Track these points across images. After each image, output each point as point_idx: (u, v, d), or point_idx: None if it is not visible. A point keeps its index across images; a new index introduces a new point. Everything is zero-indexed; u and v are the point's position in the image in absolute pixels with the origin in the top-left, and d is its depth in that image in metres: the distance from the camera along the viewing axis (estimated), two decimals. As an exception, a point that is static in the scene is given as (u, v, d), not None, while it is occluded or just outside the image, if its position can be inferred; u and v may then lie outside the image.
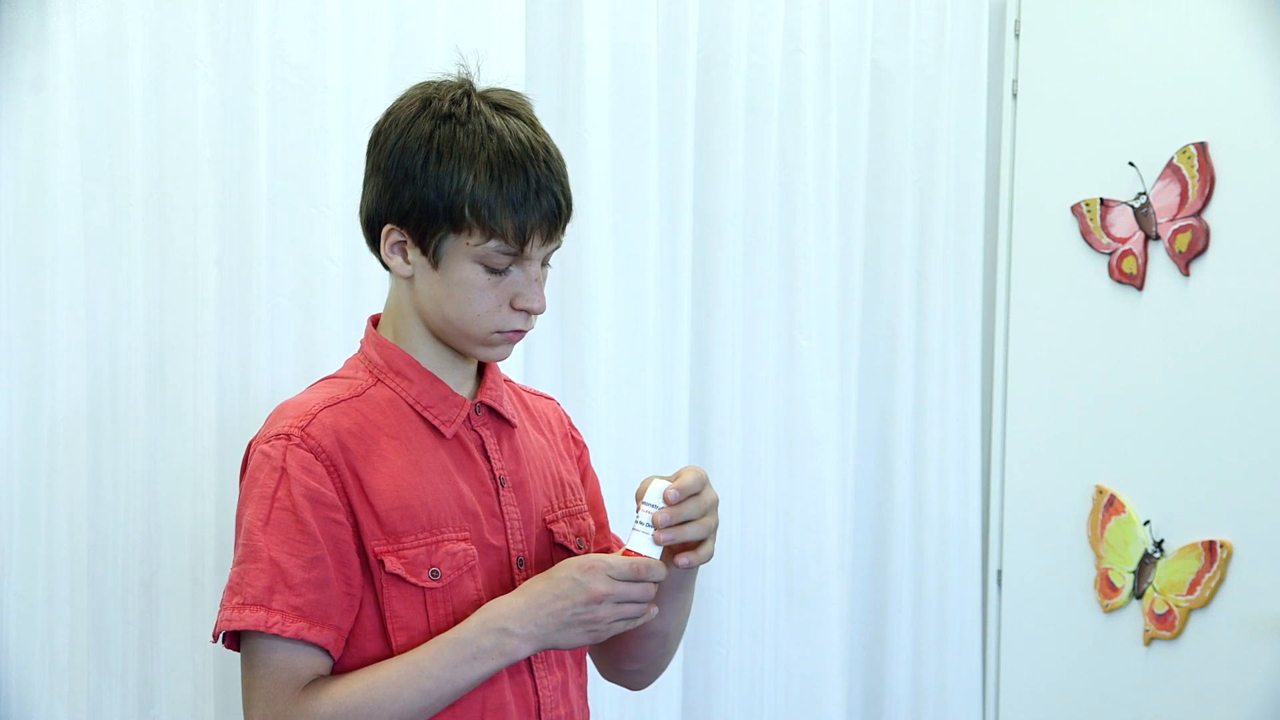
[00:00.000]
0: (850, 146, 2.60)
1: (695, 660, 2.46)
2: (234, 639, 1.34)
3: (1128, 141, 2.52)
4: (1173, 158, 2.43)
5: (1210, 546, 2.36)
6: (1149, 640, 2.47)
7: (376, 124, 1.41)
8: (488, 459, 1.44)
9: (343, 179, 2.06)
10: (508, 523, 1.43)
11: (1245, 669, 2.30)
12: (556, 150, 1.39)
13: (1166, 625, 2.44)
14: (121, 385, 1.95)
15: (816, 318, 2.55)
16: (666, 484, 1.36)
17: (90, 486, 1.92)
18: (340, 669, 1.34)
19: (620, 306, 2.35)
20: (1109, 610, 2.55)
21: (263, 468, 1.34)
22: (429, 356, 1.43)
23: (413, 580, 1.35)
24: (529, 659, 1.41)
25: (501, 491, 1.44)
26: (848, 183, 2.60)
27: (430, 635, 1.35)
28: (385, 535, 1.35)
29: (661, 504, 1.36)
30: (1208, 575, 2.36)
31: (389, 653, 1.35)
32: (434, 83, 1.40)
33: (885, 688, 2.67)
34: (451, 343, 1.42)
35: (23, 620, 1.86)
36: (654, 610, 1.36)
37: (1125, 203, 2.53)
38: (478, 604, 1.37)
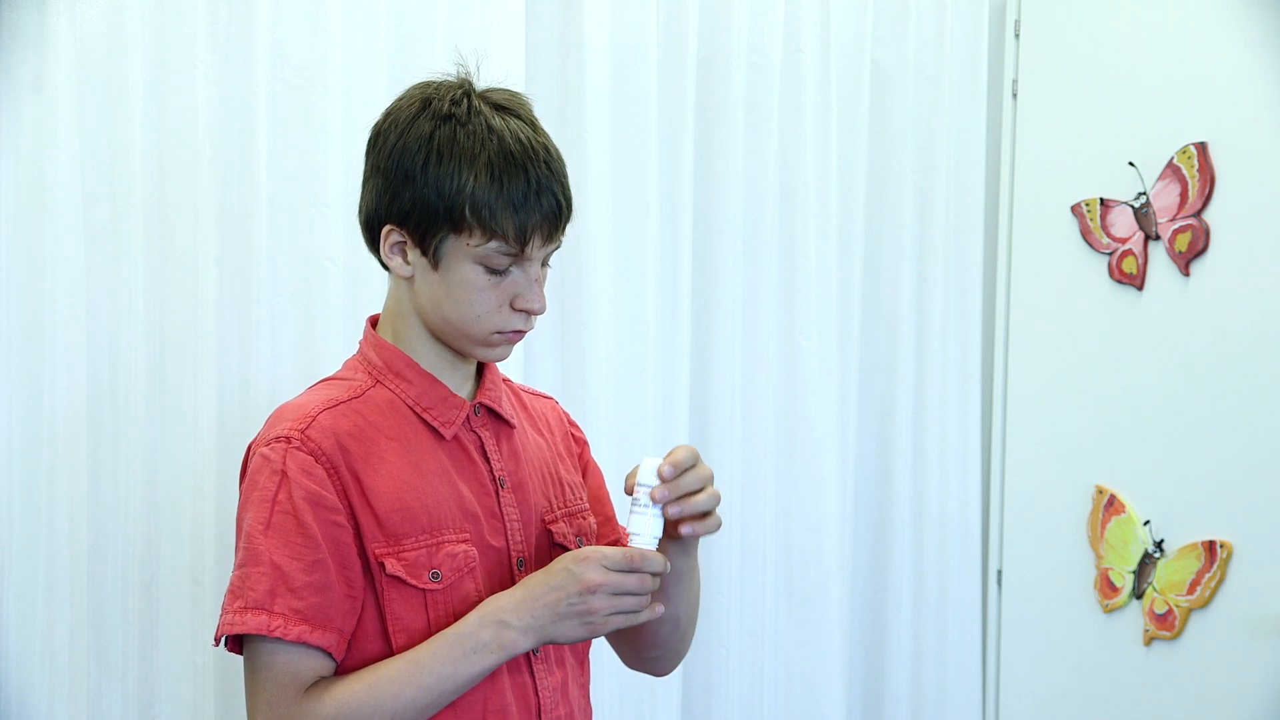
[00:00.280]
0: (850, 146, 2.60)
1: (695, 660, 2.46)
2: (236, 642, 1.34)
3: (1128, 141, 2.52)
4: (1173, 158, 2.43)
5: (1210, 546, 2.37)
6: (1149, 640, 2.47)
7: (375, 124, 1.41)
8: (487, 460, 1.44)
9: (343, 179, 2.06)
10: (507, 524, 1.43)
11: (1245, 669, 2.30)
12: (557, 150, 1.39)
13: (1166, 625, 2.44)
14: (121, 385, 1.95)
15: (816, 318, 2.55)
16: (659, 461, 1.35)
17: (90, 486, 1.92)
18: (341, 670, 1.34)
19: (620, 306, 2.35)
20: (1109, 610, 2.55)
21: (263, 471, 1.34)
22: (428, 357, 1.43)
23: (413, 582, 1.35)
24: (529, 660, 1.41)
25: (501, 492, 1.44)
26: (848, 183, 2.60)
27: (430, 636, 1.35)
28: (385, 537, 1.35)
29: (656, 480, 1.34)
30: (1208, 575, 2.36)
31: (389, 654, 1.34)
32: (433, 83, 1.40)
33: (885, 688, 2.67)
34: (451, 343, 1.42)
35: (23, 620, 1.86)
36: (658, 608, 1.35)
37: (1125, 203, 2.53)
38: (478, 605, 1.37)
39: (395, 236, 1.38)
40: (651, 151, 2.37)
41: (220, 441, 1.99)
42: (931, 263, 2.68)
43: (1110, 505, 2.54)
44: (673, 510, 1.35)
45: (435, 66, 2.10)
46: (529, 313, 1.39)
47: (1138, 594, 2.50)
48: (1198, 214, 2.39)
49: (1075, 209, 2.61)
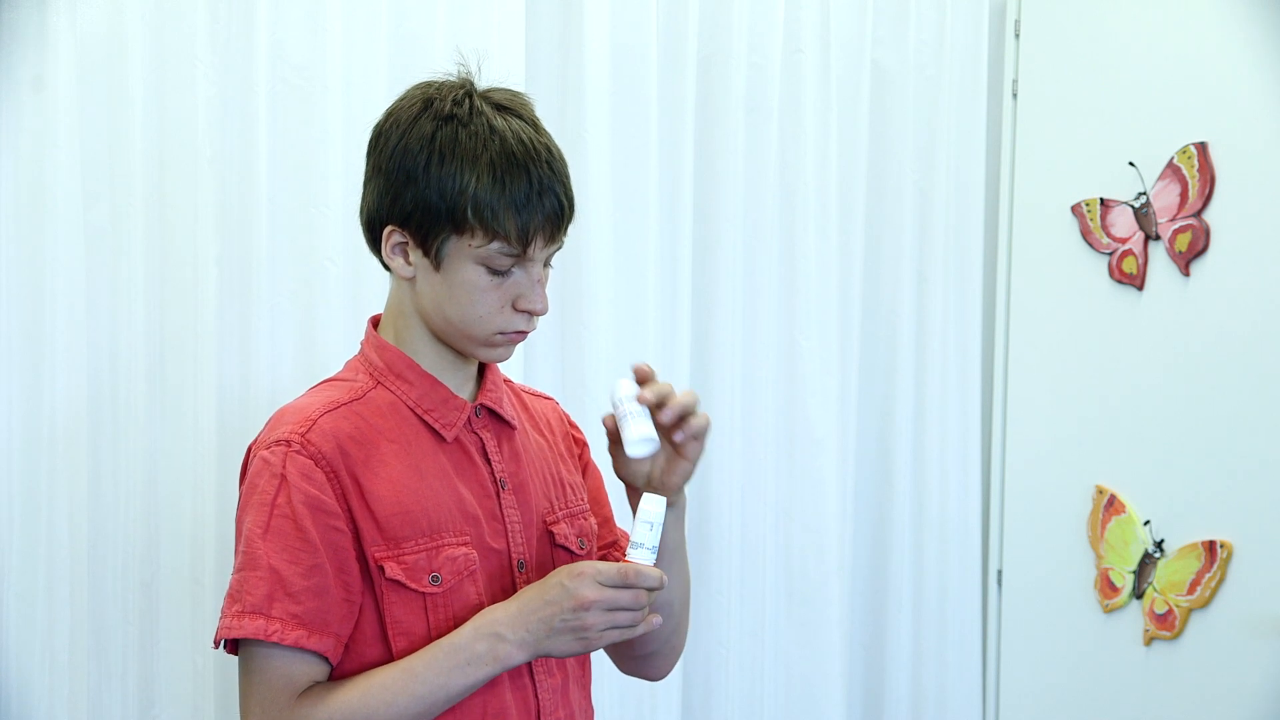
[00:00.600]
0: (850, 146, 2.59)
1: (695, 660, 2.46)
2: (234, 644, 1.34)
3: (1128, 141, 2.51)
4: (1173, 158, 2.43)
5: (1210, 546, 2.36)
6: (1149, 640, 2.47)
7: (377, 125, 1.41)
8: (488, 461, 1.44)
9: (343, 179, 2.06)
10: (508, 525, 1.43)
11: (1245, 669, 2.30)
12: (559, 151, 1.39)
13: (1166, 625, 2.44)
14: (121, 385, 1.95)
15: (816, 318, 2.55)
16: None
17: (90, 486, 1.93)
18: (340, 674, 1.35)
19: (620, 306, 2.35)
20: (1109, 610, 2.55)
21: (263, 474, 1.34)
22: (429, 358, 1.42)
23: (413, 586, 1.34)
24: (529, 663, 1.41)
25: (502, 494, 1.43)
26: (848, 183, 2.60)
27: (430, 640, 1.35)
28: (385, 541, 1.34)
29: (633, 399, 1.38)
30: (1208, 575, 2.36)
31: (389, 658, 1.34)
32: (435, 83, 1.39)
33: (885, 688, 2.67)
34: (453, 344, 1.41)
35: (23, 620, 1.86)
36: (655, 620, 1.34)
37: (1125, 203, 2.53)
38: (478, 608, 1.37)
39: (397, 237, 1.38)
40: (651, 151, 2.37)
41: (220, 441, 1.99)
42: (931, 263, 2.68)
43: (1110, 505, 2.54)
44: (666, 415, 1.37)
45: (435, 66, 2.11)
46: (531, 313, 1.39)
47: (1138, 594, 2.50)
48: (1198, 214, 2.39)
49: (1075, 209, 2.61)
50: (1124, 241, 2.53)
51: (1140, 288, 2.51)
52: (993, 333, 2.77)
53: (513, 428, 1.48)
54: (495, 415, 1.47)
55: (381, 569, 1.34)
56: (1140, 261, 2.50)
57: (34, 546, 1.87)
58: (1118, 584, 2.53)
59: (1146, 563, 2.48)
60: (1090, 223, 2.59)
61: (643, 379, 1.40)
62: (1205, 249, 2.39)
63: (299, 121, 2.05)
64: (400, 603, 1.35)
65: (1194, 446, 2.41)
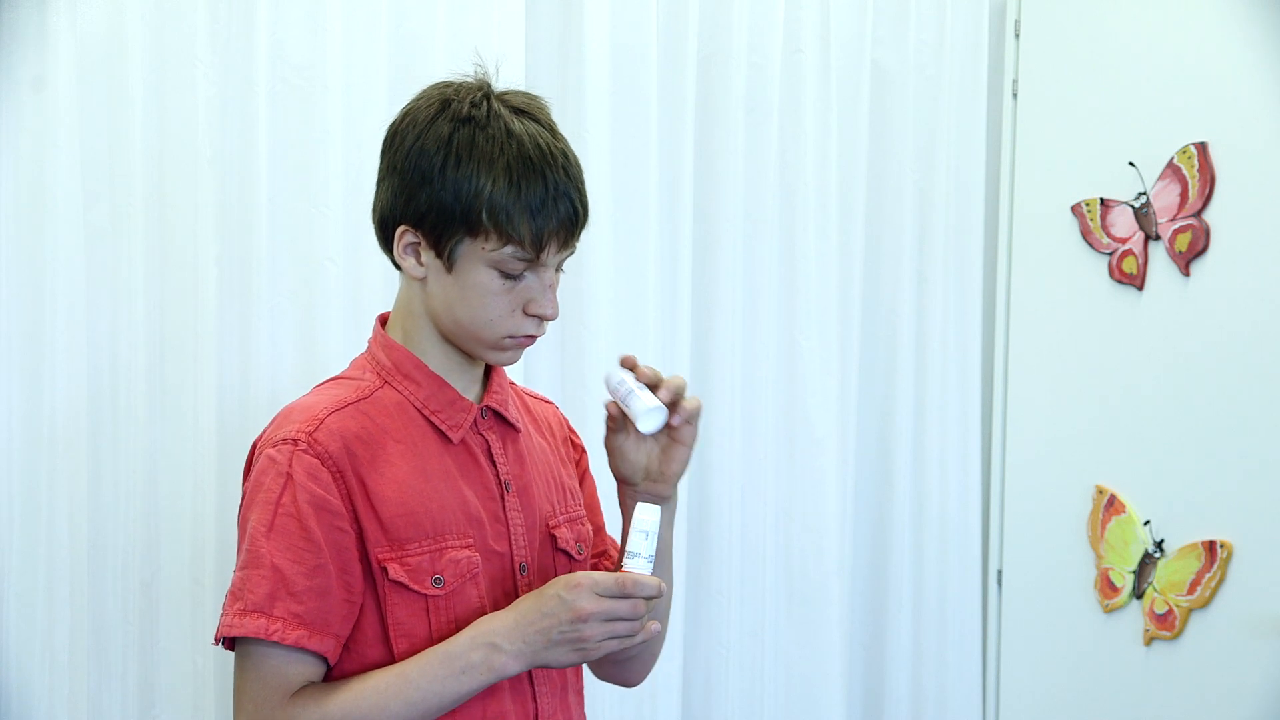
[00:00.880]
0: (850, 146, 2.60)
1: (695, 660, 2.46)
2: (231, 641, 1.34)
3: (1128, 141, 2.51)
4: (1173, 158, 2.43)
5: (1210, 546, 2.36)
6: (1149, 640, 2.47)
7: (393, 123, 1.39)
8: (493, 463, 1.44)
9: (343, 179, 2.06)
10: (511, 528, 1.43)
11: (1245, 669, 2.30)
12: (574, 156, 1.38)
13: (1166, 625, 2.44)
14: (121, 385, 1.95)
15: (816, 318, 2.55)
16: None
17: (90, 487, 1.93)
18: (340, 674, 1.34)
19: (620, 307, 2.35)
20: (1109, 610, 2.55)
21: (268, 472, 1.33)
22: (437, 358, 1.42)
23: (415, 587, 1.34)
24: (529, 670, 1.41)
25: (506, 496, 1.43)
26: (848, 183, 2.60)
27: (432, 642, 1.34)
28: (389, 542, 1.34)
29: (632, 378, 1.41)
30: (1208, 575, 2.36)
31: (390, 659, 1.34)
32: (453, 84, 1.38)
33: (885, 688, 2.67)
34: (462, 346, 1.41)
35: (23, 620, 1.86)
36: (653, 627, 1.34)
37: (1125, 203, 2.53)
38: (480, 611, 1.37)
39: (409, 237, 1.37)
40: (651, 151, 2.37)
41: (220, 441, 1.99)
42: (931, 263, 2.69)
43: (1110, 505, 2.54)
44: (662, 395, 1.40)
45: (435, 66, 2.12)
46: (541, 318, 1.38)
47: (1138, 594, 2.50)
48: (1198, 214, 2.39)
49: (1075, 209, 2.61)
50: (1124, 241, 2.53)
51: (1140, 288, 2.51)
52: (993, 333, 2.77)
53: (517, 430, 1.48)
54: (500, 417, 1.46)
55: (384, 570, 1.34)
56: (1140, 261, 2.50)
57: (34, 546, 1.87)
58: (1118, 584, 2.53)
59: (1146, 563, 2.48)
60: (1090, 223, 2.59)
61: (630, 366, 1.43)
62: (1205, 249, 2.39)
63: (299, 121, 2.05)
64: (402, 604, 1.34)
65: (1194, 446, 2.41)
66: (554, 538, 1.47)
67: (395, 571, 1.34)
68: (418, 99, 1.39)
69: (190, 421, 1.99)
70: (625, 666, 1.60)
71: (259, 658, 1.31)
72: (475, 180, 1.31)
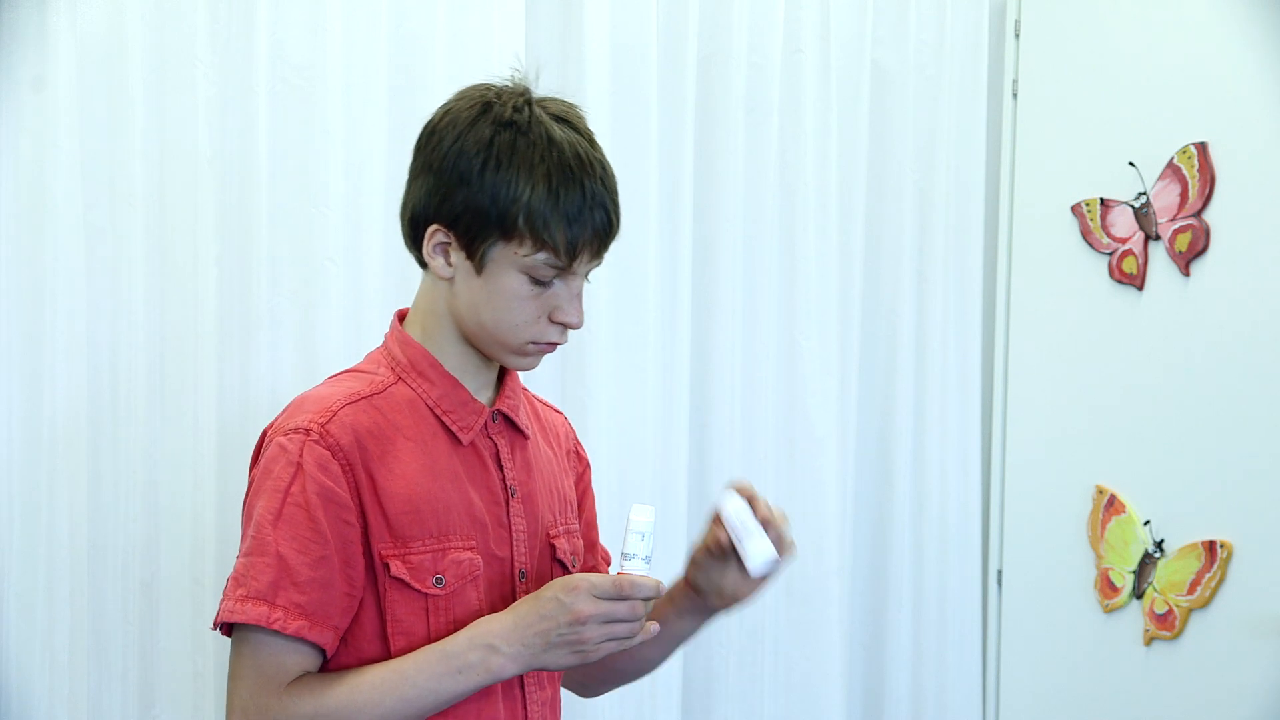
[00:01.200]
0: (850, 146, 2.59)
1: (695, 660, 2.46)
2: (229, 626, 1.34)
3: (1128, 141, 2.51)
4: (1173, 158, 2.43)
5: (1210, 546, 2.36)
6: (1149, 640, 2.47)
7: (430, 122, 1.39)
8: (500, 468, 1.44)
9: (343, 179, 2.06)
10: (514, 534, 1.43)
11: (1245, 669, 2.30)
12: (610, 167, 1.39)
13: (1166, 625, 2.44)
14: (121, 385, 1.95)
15: (816, 318, 2.55)
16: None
17: (90, 487, 1.92)
18: (335, 667, 1.35)
19: (620, 307, 2.35)
20: (1109, 610, 2.55)
21: (278, 460, 1.33)
22: (454, 359, 1.42)
23: (416, 586, 1.34)
24: (520, 677, 1.41)
25: (511, 502, 1.43)
26: (848, 183, 2.60)
27: (429, 642, 1.35)
28: (393, 539, 1.34)
29: (752, 516, 1.37)
30: (1208, 575, 2.36)
31: (387, 656, 1.34)
32: (494, 87, 1.38)
33: (885, 688, 2.67)
34: (483, 348, 1.41)
35: (23, 620, 1.86)
36: (654, 627, 1.34)
37: (1125, 203, 2.53)
38: (478, 614, 1.37)
39: (440, 237, 1.36)
40: (651, 151, 2.37)
41: (220, 442, 1.99)
42: (931, 263, 2.68)
43: (1110, 505, 2.54)
44: (773, 533, 1.37)
45: (435, 66, 2.13)
46: (566, 326, 1.39)
47: (1138, 594, 2.50)
48: (1198, 214, 2.39)
49: (1075, 209, 2.61)
50: (1124, 241, 2.53)
51: (1140, 288, 2.51)
52: (993, 333, 2.77)
53: (526, 437, 1.48)
54: (510, 422, 1.46)
55: (386, 566, 1.34)
56: (1140, 261, 2.50)
57: (34, 546, 1.86)
58: (1118, 584, 2.53)
59: (1146, 563, 2.48)
60: (1090, 223, 2.59)
61: (749, 497, 1.39)
62: (1205, 249, 2.39)
63: (299, 121, 2.05)
64: (402, 602, 1.35)
65: (1194, 446, 2.41)
66: (553, 547, 1.47)
67: (397, 568, 1.34)
68: (458, 99, 1.39)
69: (190, 421, 1.99)
70: (585, 686, 1.62)
71: (257, 645, 1.31)
72: (515, 185, 1.31)
